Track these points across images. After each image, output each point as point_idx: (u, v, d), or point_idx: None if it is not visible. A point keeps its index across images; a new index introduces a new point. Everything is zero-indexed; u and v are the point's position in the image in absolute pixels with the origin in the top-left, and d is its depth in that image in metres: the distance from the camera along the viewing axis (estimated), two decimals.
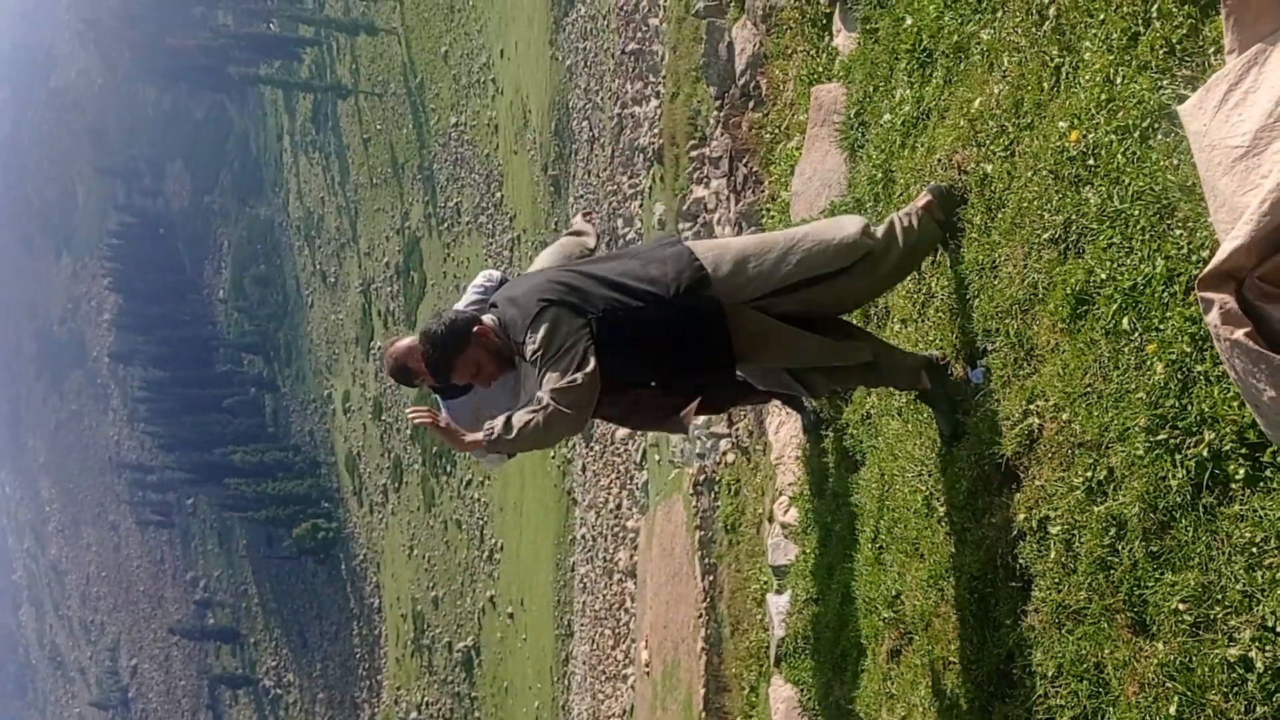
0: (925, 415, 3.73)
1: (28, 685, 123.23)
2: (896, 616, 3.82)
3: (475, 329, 3.31)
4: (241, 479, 66.28)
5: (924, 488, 3.65)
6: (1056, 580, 2.76)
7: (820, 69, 5.65)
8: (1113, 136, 2.73)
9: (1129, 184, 2.64)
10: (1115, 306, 2.61)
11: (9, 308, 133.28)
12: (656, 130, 16.24)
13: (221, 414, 78.14)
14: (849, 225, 3.36)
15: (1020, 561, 2.95)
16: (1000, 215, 3.28)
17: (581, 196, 24.18)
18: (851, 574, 4.35)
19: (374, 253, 50.54)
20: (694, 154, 10.98)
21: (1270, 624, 2.11)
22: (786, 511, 5.64)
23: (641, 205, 18.47)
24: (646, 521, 11.75)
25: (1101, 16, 2.89)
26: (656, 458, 13.48)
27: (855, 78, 4.90)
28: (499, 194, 34.87)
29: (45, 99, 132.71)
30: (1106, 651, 2.54)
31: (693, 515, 8.99)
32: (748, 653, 6.83)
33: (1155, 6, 2.67)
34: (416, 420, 3.35)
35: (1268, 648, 2.11)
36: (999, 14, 3.52)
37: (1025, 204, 3.11)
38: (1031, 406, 2.96)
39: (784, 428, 6.04)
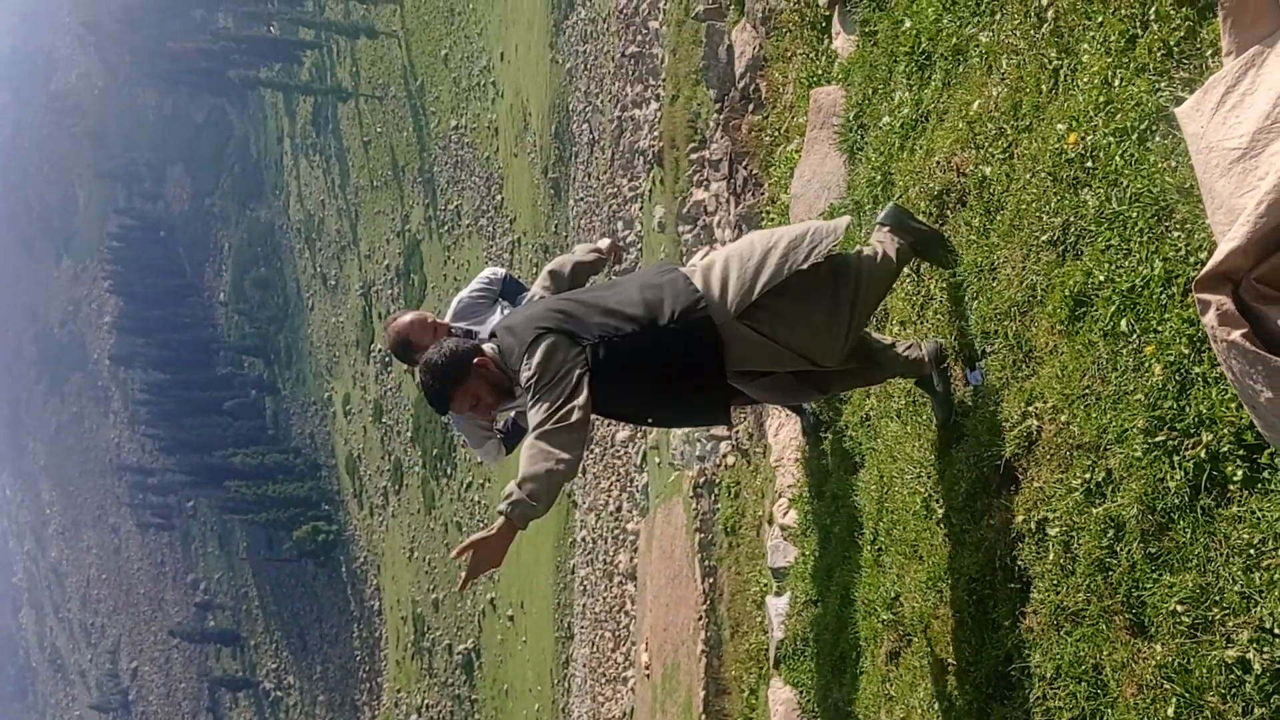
0: (924, 417, 3.73)
1: (28, 688, 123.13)
2: (895, 618, 3.82)
3: (475, 360, 3.30)
4: (242, 481, 66.31)
5: (923, 490, 3.65)
6: (1055, 582, 2.76)
7: (820, 72, 5.66)
8: (1111, 139, 2.74)
9: (1127, 186, 2.64)
10: (1113, 308, 2.61)
11: (9, 311, 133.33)
12: (656, 133, 16.24)
13: (222, 416, 78.16)
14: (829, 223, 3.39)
15: (1019, 563, 2.95)
16: (999, 217, 3.28)
17: (581, 199, 24.20)
18: (851, 576, 4.35)
19: (374, 255, 50.58)
20: (694, 157, 10.99)
21: (1268, 625, 2.11)
22: (786, 513, 5.64)
23: (641, 208, 18.48)
24: (646, 524, 11.75)
25: (1100, 19, 2.90)
26: (656, 460, 13.48)
27: (854, 80, 4.91)
28: (499, 197, 34.90)
29: (46, 102, 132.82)
30: (1105, 653, 2.54)
31: (693, 518, 8.99)
32: (748, 655, 6.83)
33: (1153, 9, 2.67)
34: (464, 583, 3.15)
35: (1265, 649, 2.11)
36: (997, 16, 3.53)
37: (1024, 206, 3.11)
38: (1030, 408, 2.96)
39: (783, 430, 6.04)
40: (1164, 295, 2.46)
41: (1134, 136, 2.66)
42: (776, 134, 6.66)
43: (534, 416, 3.04)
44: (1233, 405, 2.22)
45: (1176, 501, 2.34)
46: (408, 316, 4.66)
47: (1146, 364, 2.47)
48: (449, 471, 38.84)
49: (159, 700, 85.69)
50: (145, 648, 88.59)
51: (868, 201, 4.46)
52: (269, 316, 71.24)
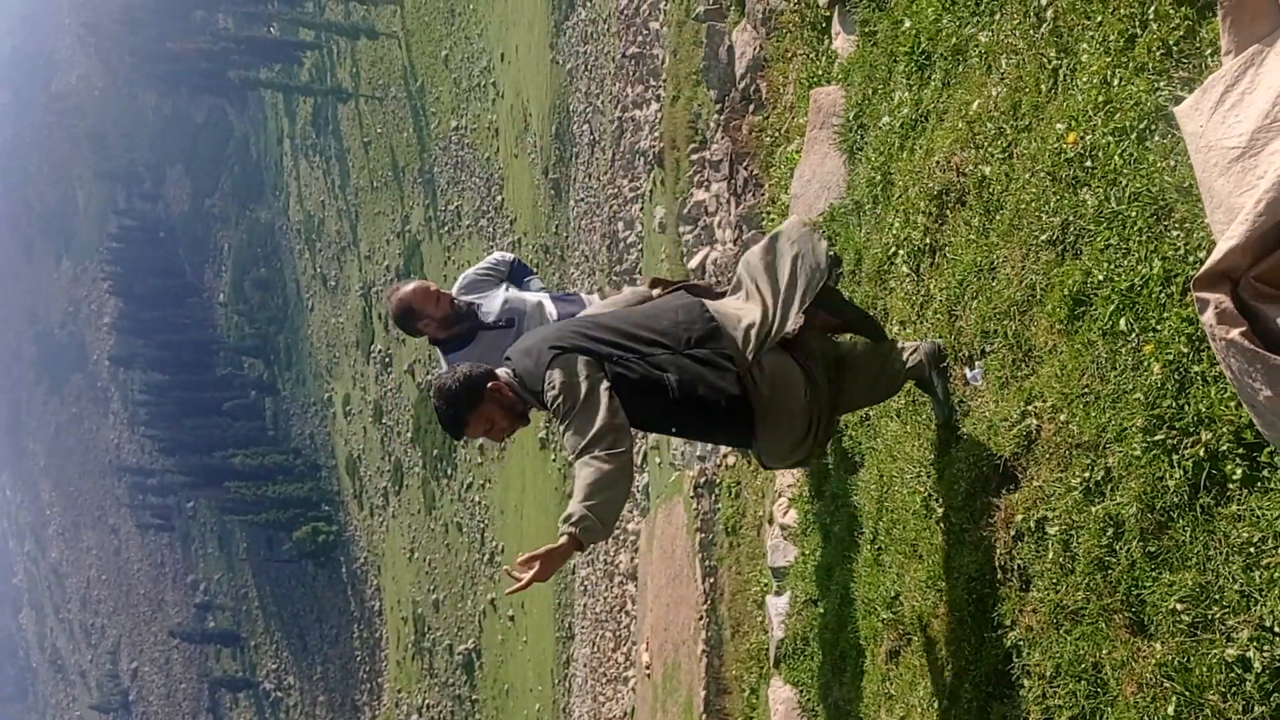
0: (924, 417, 3.74)
1: (28, 688, 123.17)
2: (895, 617, 3.83)
3: (490, 384, 3.31)
4: (242, 482, 66.30)
5: (922, 489, 3.65)
6: (1054, 581, 2.76)
7: (820, 72, 5.66)
8: (1110, 138, 2.74)
9: (1126, 185, 2.64)
10: (1113, 307, 2.61)
11: (9, 312, 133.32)
12: (657, 134, 16.25)
13: (222, 417, 78.16)
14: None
15: (1018, 562, 2.96)
16: (998, 217, 3.28)
17: (582, 200, 24.20)
18: (851, 575, 4.36)
19: (374, 256, 50.58)
20: (694, 157, 10.99)
21: (1268, 624, 2.11)
22: (786, 513, 5.65)
23: (642, 208, 18.48)
24: (647, 524, 11.75)
25: (1099, 19, 2.90)
26: (657, 460, 13.48)
27: (854, 81, 4.92)
28: (499, 197, 34.89)
29: (46, 103, 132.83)
30: (1104, 651, 2.55)
31: (693, 518, 8.99)
32: (748, 655, 6.84)
33: (1152, 8, 2.68)
34: (516, 589, 3.12)
35: (1265, 647, 2.11)
36: (997, 16, 3.53)
37: (1023, 206, 3.12)
38: (1029, 407, 2.96)
39: None
40: (1163, 294, 2.47)
41: (1133, 136, 2.66)
42: (777, 134, 6.67)
43: (570, 441, 3.07)
44: (1232, 404, 2.23)
45: (1176, 500, 2.34)
46: (410, 285, 4.68)
47: (1146, 363, 2.47)
48: (449, 472, 38.85)
49: (159, 701, 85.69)
50: (145, 648, 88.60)
51: (867, 201, 4.47)
52: (269, 317, 71.24)
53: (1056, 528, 2.76)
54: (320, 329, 60.22)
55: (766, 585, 6.13)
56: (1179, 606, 2.31)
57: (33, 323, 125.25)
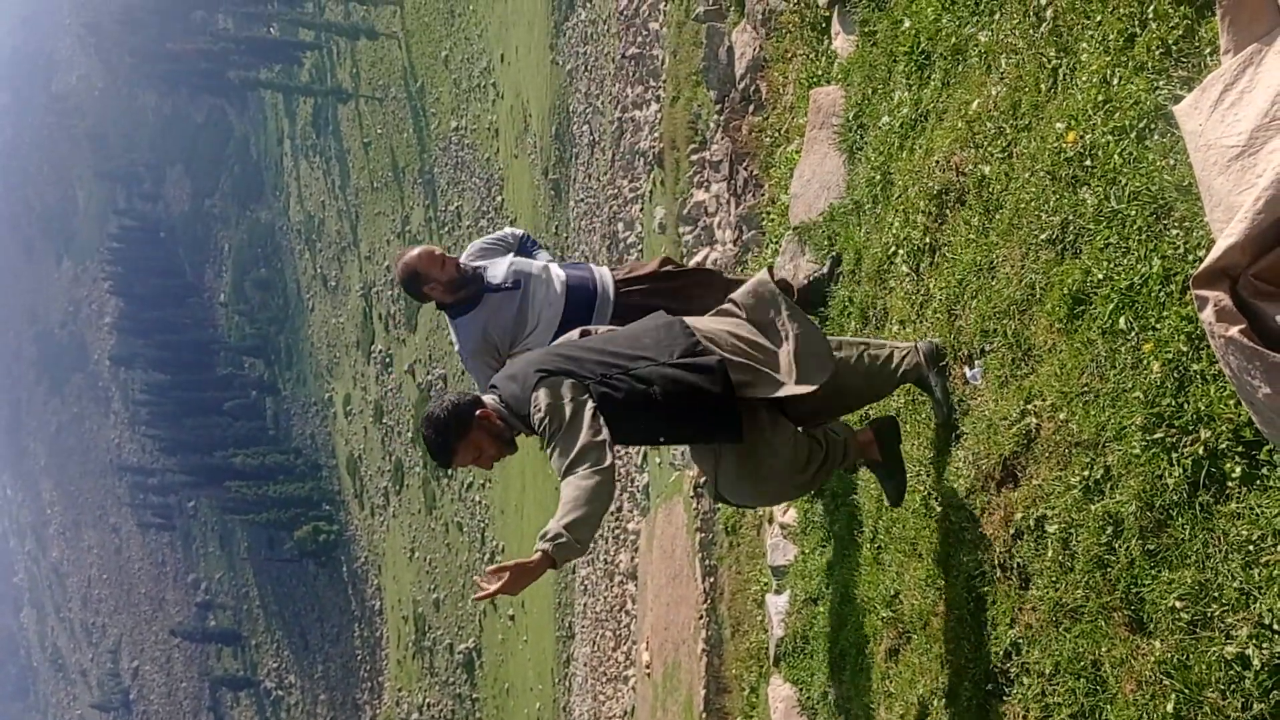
0: (923, 416, 3.74)
1: (29, 687, 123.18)
2: (895, 615, 3.83)
3: (478, 412, 3.33)
4: (242, 482, 66.31)
5: (922, 487, 3.66)
6: (1054, 579, 2.77)
7: (819, 72, 5.67)
8: (1109, 137, 2.74)
9: (1126, 184, 2.65)
10: (1112, 306, 2.62)
11: (9, 312, 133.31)
12: (657, 134, 16.24)
13: (222, 417, 78.15)
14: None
15: (1018, 560, 2.96)
16: (998, 216, 3.29)
17: (582, 200, 24.20)
18: (850, 574, 4.36)
19: (374, 256, 50.55)
20: (694, 158, 11.00)
21: (1267, 621, 2.11)
22: (786, 512, 5.65)
23: (642, 209, 18.48)
24: (647, 524, 11.76)
25: (1098, 18, 2.91)
26: (657, 460, 13.49)
27: (854, 80, 4.92)
28: (499, 198, 34.89)
29: (46, 104, 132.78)
30: (1104, 649, 2.55)
31: (693, 517, 9.00)
32: (748, 654, 6.84)
33: (1151, 8, 2.68)
34: (481, 596, 3.15)
35: (1265, 645, 2.11)
36: (996, 16, 3.54)
37: (1022, 205, 3.12)
38: (1029, 406, 2.96)
39: None
40: (1162, 293, 2.47)
41: (1132, 135, 2.67)
42: (777, 134, 6.67)
43: (556, 461, 3.12)
44: (1231, 402, 2.23)
45: (1175, 498, 2.35)
46: (416, 250, 4.68)
47: (1145, 361, 2.48)
48: (449, 472, 38.83)
49: (160, 700, 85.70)
50: (146, 647, 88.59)
51: (867, 201, 4.47)
52: (269, 317, 71.23)
53: (1056, 526, 2.76)
54: (321, 329, 60.22)
55: (766, 584, 6.13)
56: (1178, 604, 2.31)
57: (33, 323, 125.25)
